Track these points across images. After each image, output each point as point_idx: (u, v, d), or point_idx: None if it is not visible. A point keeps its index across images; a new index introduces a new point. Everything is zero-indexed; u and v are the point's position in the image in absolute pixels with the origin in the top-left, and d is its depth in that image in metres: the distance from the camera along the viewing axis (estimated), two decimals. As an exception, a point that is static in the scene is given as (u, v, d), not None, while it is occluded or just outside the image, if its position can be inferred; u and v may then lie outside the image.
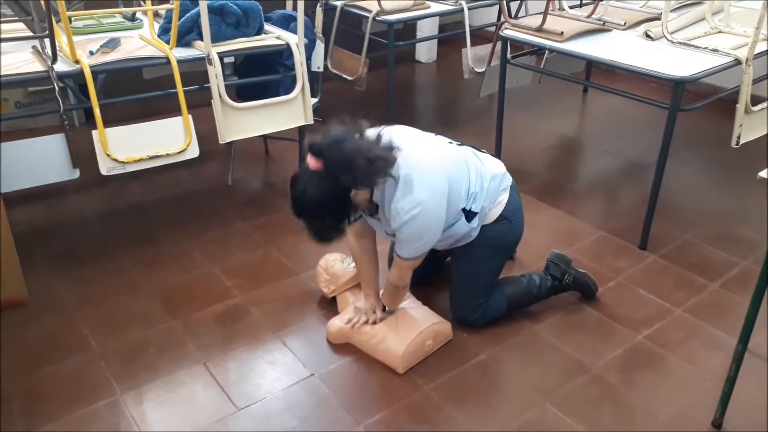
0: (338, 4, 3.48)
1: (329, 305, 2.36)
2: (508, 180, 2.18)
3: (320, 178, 1.79)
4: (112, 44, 2.48)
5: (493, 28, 3.88)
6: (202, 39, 2.47)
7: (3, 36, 2.30)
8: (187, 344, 2.17)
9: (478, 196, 2.05)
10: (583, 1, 3.44)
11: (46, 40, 2.23)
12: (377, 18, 3.34)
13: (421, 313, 2.19)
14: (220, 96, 2.49)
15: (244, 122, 2.60)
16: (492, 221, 2.13)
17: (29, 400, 1.95)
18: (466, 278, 2.21)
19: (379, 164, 1.79)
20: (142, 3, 2.90)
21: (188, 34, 2.56)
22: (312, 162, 1.79)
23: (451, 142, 2.12)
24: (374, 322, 2.14)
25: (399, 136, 1.95)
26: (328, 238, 1.92)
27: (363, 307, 2.17)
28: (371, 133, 1.88)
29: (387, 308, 2.18)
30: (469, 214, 2.05)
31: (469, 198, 2.04)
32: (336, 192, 1.80)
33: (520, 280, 2.32)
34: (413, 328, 2.10)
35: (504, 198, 2.14)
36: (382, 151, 1.82)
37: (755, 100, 2.56)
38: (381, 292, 2.20)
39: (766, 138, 2.69)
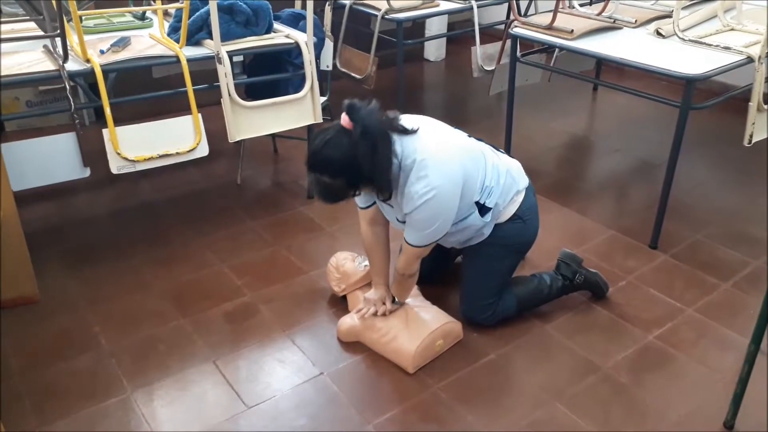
0: (347, 2, 3.47)
1: (339, 303, 2.36)
2: (525, 181, 2.18)
3: (345, 138, 1.80)
4: (122, 43, 2.49)
5: (502, 26, 3.86)
6: (211, 38, 2.47)
7: (15, 35, 2.32)
8: (197, 342, 2.18)
9: (493, 191, 2.05)
10: (593, -1, 3.42)
11: (57, 40, 2.24)
12: (386, 16, 3.33)
13: (432, 313, 2.18)
14: (229, 95, 2.50)
15: (253, 121, 2.61)
16: (505, 220, 2.12)
17: (41, 397, 1.96)
18: (477, 277, 2.21)
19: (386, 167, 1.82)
20: (152, 2, 2.91)
21: (198, 32, 2.57)
22: (344, 120, 1.81)
23: (470, 137, 2.12)
24: (383, 314, 2.14)
25: (419, 123, 1.96)
26: (332, 199, 1.92)
27: (372, 297, 2.17)
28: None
29: (396, 300, 2.18)
30: (483, 208, 2.04)
31: (483, 191, 2.03)
32: (355, 157, 1.80)
33: (531, 279, 2.31)
34: (424, 327, 2.09)
35: (519, 198, 2.13)
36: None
37: (768, 98, 2.54)
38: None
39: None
